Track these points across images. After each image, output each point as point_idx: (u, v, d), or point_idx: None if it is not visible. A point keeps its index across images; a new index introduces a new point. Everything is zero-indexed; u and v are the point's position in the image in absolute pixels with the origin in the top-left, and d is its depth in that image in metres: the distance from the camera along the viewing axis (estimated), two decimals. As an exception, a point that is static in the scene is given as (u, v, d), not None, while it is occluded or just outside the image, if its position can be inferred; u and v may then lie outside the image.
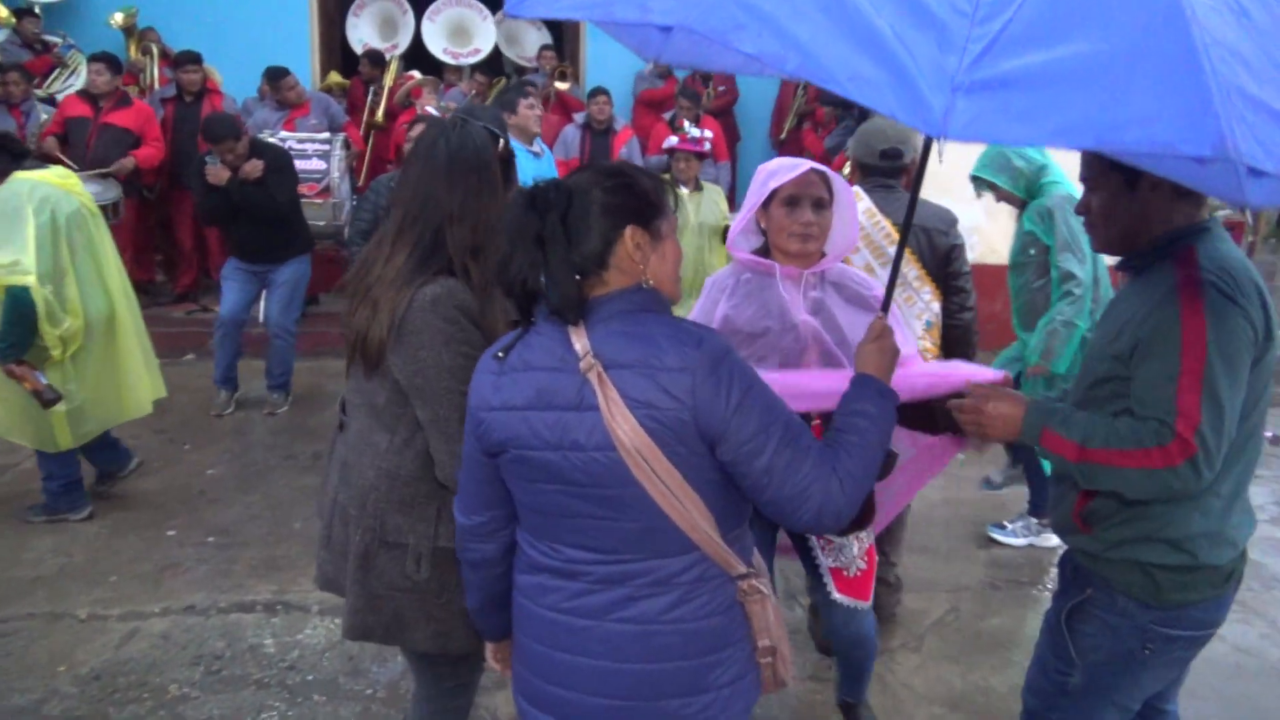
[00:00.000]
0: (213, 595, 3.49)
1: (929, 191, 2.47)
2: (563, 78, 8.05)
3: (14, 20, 7.29)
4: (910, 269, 2.97)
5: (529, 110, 4.84)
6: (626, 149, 6.97)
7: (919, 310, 2.99)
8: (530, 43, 9.05)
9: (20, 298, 3.55)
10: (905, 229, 1.82)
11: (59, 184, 3.82)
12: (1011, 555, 4.05)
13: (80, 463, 4.06)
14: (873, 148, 3.08)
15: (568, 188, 1.46)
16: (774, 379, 2.09)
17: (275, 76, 6.88)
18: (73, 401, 3.81)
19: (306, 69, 8.23)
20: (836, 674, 2.75)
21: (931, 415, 1.96)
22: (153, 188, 6.71)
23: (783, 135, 8.40)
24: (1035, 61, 1.15)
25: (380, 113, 7.62)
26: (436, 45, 8.69)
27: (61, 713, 2.83)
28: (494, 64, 9.05)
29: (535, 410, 1.47)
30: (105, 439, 4.18)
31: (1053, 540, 3.97)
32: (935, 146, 1.21)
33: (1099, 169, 1.79)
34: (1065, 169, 3.61)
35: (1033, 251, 3.73)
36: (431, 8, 8.71)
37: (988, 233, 6.42)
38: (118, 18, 7.56)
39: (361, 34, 8.63)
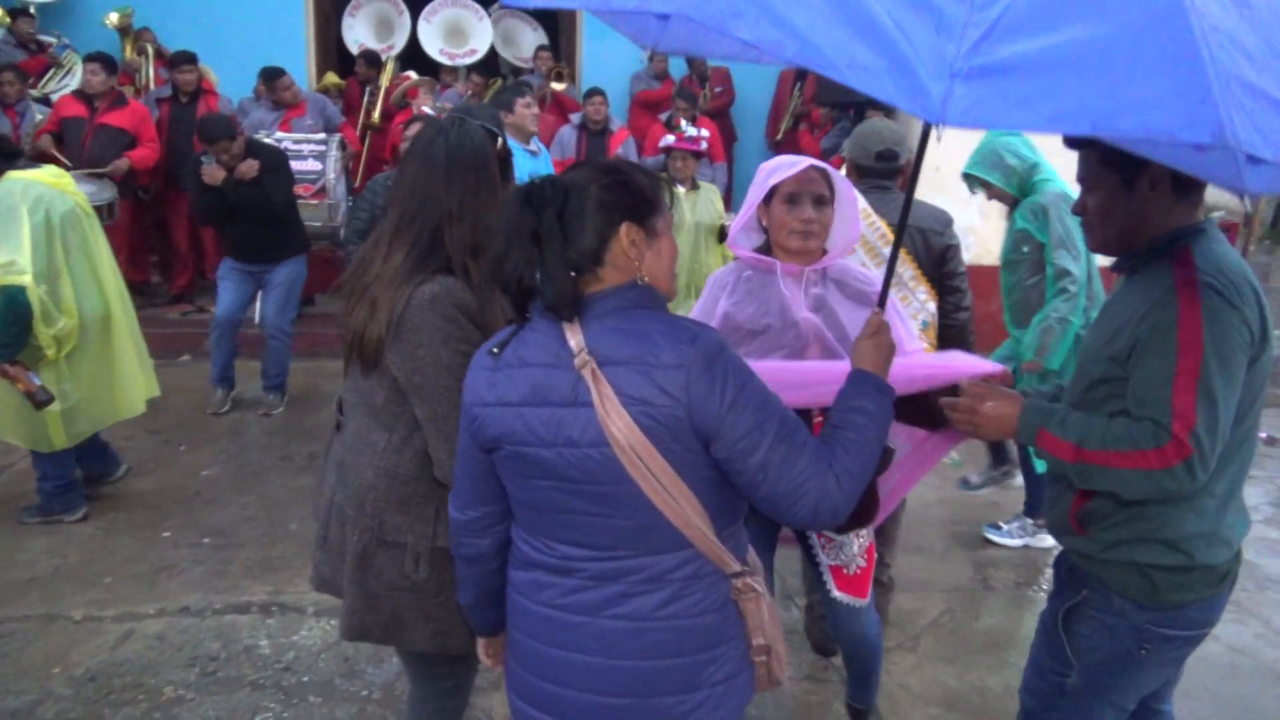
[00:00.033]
0: (208, 596, 3.48)
1: (925, 192, 2.47)
2: (559, 78, 8.05)
3: (8, 20, 7.27)
4: (906, 269, 2.97)
5: (526, 109, 4.85)
6: (622, 149, 6.97)
7: (914, 310, 2.99)
8: (526, 43, 9.05)
9: (15, 298, 3.54)
10: (900, 229, 1.82)
11: (52, 183, 3.81)
12: (1007, 556, 4.05)
13: (74, 464, 4.05)
14: (868, 149, 3.09)
15: (564, 184, 1.46)
16: (776, 367, 2.09)
17: (271, 77, 6.87)
18: (67, 401, 3.80)
19: (302, 69, 8.21)
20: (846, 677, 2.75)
21: (930, 411, 1.96)
22: (148, 188, 6.69)
23: (779, 136, 8.41)
24: (1033, 48, 1.15)
25: (376, 113, 7.61)
26: (432, 46, 8.68)
27: (56, 714, 2.82)
28: (490, 65, 9.04)
29: (530, 406, 1.47)
30: (96, 443, 4.17)
31: (1048, 541, 3.98)
32: (934, 132, 1.21)
33: (1096, 169, 1.79)
34: (1058, 168, 3.62)
35: (1026, 249, 3.73)
36: (428, 8, 8.70)
37: (983, 233, 6.44)
38: (113, 18, 7.54)
39: (357, 34, 8.62)
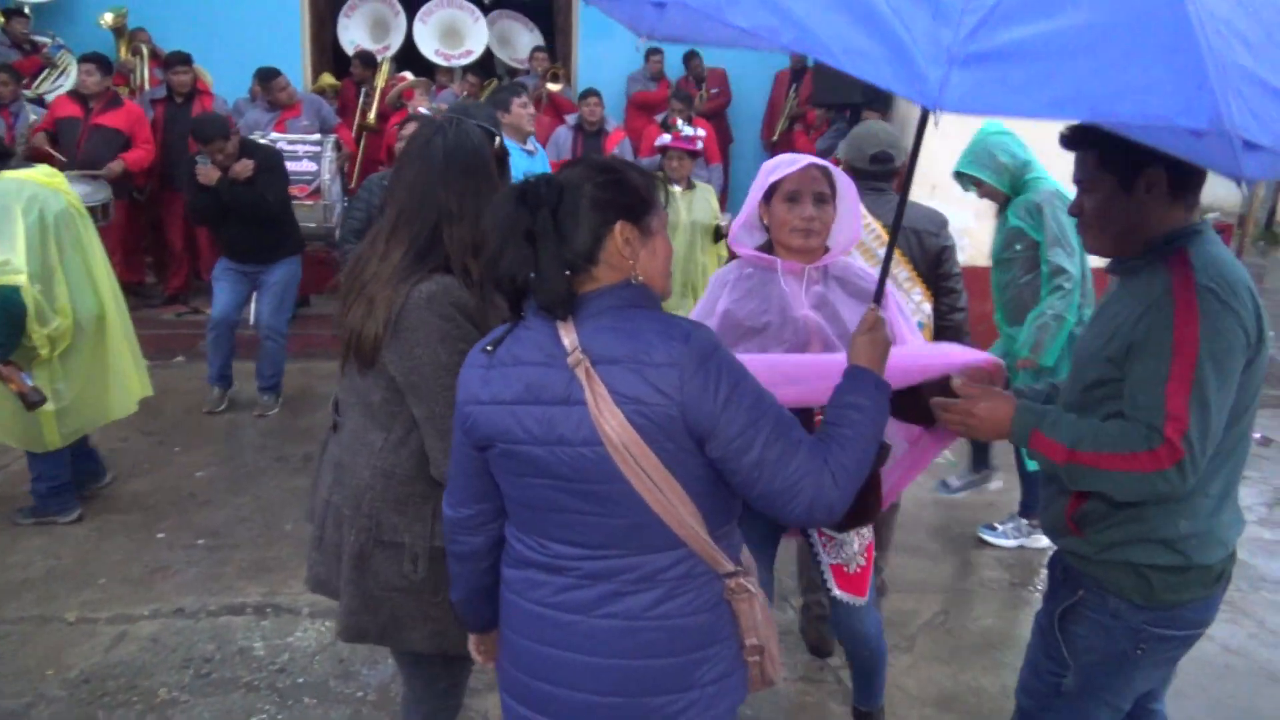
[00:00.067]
0: (202, 598, 3.47)
1: (919, 193, 2.47)
2: (554, 79, 8.05)
3: (3, 20, 7.25)
4: (901, 270, 2.98)
5: (522, 109, 4.85)
6: (618, 150, 6.97)
7: (910, 311, 2.99)
8: (522, 44, 9.05)
9: (10, 298, 3.52)
10: (895, 229, 1.82)
11: (46, 183, 3.80)
12: (1002, 556, 4.06)
13: (70, 465, 4.03)
14: (863, 151, 3.09)
15: (558, 183, 1.46)
16: (771, 362, 2.07)
17: (266, 77, 6.86)
18: (61, 400, 3.79)
19: (298, 70, 8.20)
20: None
21: (926, 407, 1.96)
22: (143, 189, 6.68)
23: (774, 138, 8.42)
24: (1031, 34, 1.15)
25: (372, 114, 7.61)
26: (428, 46, 8.68)
27: (50, 716, 2.81)
28: (486, 65, 9.04)
29: (523, 405, 1.46)
30: (84, 447, 4.16)
31: (1043, 541, 3.98)
32: (931, 118, 1.20)
33: (1093, 171, 1.79)
34: (1054, 169, 3.63)
35: (1019, 247, 3.74)
36: (423, 9, 8.70)
37: (978, 235, 6.43)
38: (108, 18, 7.52)
39: (353, 35, 8.62)
